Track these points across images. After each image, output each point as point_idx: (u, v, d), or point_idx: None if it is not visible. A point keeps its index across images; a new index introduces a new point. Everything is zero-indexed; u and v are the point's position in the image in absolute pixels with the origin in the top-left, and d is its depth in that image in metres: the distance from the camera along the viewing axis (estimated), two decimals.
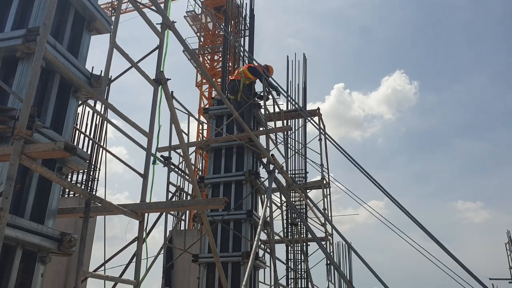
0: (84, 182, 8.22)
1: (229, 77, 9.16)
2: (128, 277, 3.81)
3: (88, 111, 9.13)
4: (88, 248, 6.85)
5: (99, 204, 3.52)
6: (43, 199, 3.30)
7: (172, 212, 10.49)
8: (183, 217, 11.12)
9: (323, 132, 12.75)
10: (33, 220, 3.11)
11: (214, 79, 21.09)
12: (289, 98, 12.11)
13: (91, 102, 6.99)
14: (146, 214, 4.06)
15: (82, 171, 8.27)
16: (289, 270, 11.37)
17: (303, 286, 12.25)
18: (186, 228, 11.47)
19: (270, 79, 8.92)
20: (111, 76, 5.04)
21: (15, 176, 2.52)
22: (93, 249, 7.67)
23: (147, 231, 6.60)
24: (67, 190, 7.93)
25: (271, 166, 8.55)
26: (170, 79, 4.30)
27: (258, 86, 9.00)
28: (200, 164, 13.80)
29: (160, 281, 7.72)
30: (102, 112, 7.88)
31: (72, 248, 3.22)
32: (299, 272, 12.13)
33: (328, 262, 12.42)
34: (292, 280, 11.30)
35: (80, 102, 3.91)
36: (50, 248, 3.15)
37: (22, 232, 2.92)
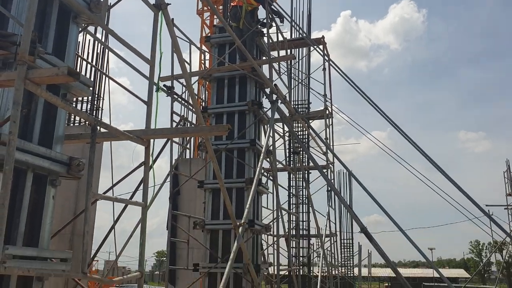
0: (88, 112, 8.30)
1: (231, 3, 8.89)
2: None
3: (89, 40, 9.01)
4: (96, 174, 7.04)
5: (105, 130, 3.60)
6: (50, 125, 3.36)
7: (177, 141, 10.67)
8: (188, 146, 11.32)
9: (327, 59, 12.58)
10: (41, 145, 3.19)
11: (215, 6, 20.42)
12: (293, 24, 11.82)
13: (91, 30, 6.88)
14: (152, 141, 4.15)
15: (86, 100, 8.32)
16: (291, 196, 11.76)
17: (304, 211, 12.72)
18: (191, 157, 11.71)
19: (273, 4, 8.67)
20: (110, 2, 4.93)
21: (21, 101, 2.57)
22: (100, 177, 7.89)
23: (153, 159, 6.76)
24: (72, 119, 8.03)
25: (274, 96, 8.56)
26: (170, 4, 4.21)
27: (261, 13, 8.77)
28: (203, 95, 13.78)
29: (167, 208, 8.04)
30: (103, 41, 7.77)
31: (81, 172, 3.34)
32: (301, 198, 12.55)
33: (329, 188, 12.78)
34: (293, 205, 11.72)
35: (80, 28, 3.86)
36: (60, 172, 3.26)
37: (31, 156, 3.02)
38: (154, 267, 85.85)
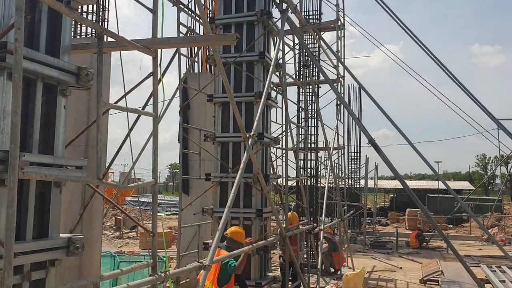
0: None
1: None
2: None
3: None
4: (106, 86, 7.03)
5: (112, 39, 3.53)
6: (56, 34, 3.30)
7: (185, 53, 10.50)
8: (196, 59, 11.16)
9: None
10: (48, 55, 3.16)
11: None
12: None
13: None
14: (159, 52, 4.07)
15: (91, 12, 8.09)
16: (300, 110, 11.78)
17: (313, 124, 12.81)
18: (200, 71, 11.60)
19: None
20: None
21: (23, 6, 2.49)
22: (110, 92, 7.88)
23: (162, 72, 6.71)
24: (78, 31, 7.88)
25: (284, 5, 8.25)
26: None
27: None
28: (210, 5, 13.29)
29: (177, 122, 8.13)
30: None
31: (90, 82, 3.33)
32: (310, 112, 12.57)
33: (339, 102, 12.73)
34: (302, 119, 11.78)
35: None
36: (69, 82, 3.25)
37: (39, 65, 3.00)
38: (168, 179, 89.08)
